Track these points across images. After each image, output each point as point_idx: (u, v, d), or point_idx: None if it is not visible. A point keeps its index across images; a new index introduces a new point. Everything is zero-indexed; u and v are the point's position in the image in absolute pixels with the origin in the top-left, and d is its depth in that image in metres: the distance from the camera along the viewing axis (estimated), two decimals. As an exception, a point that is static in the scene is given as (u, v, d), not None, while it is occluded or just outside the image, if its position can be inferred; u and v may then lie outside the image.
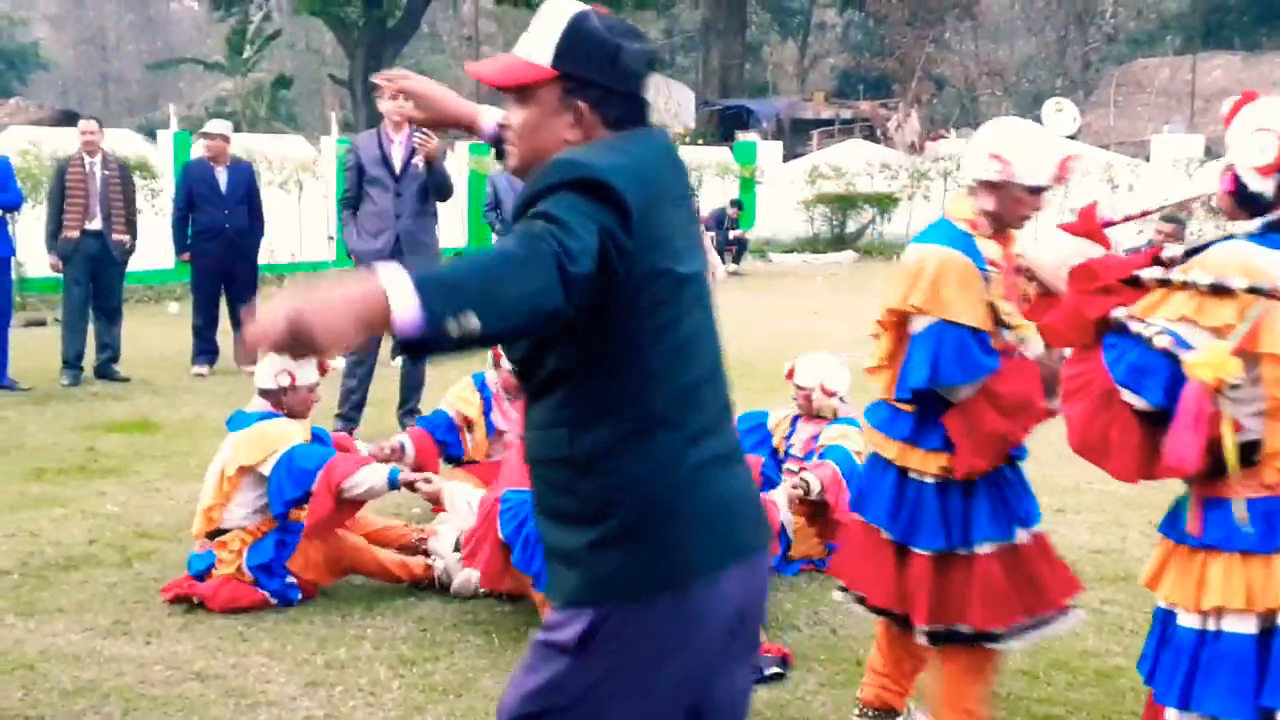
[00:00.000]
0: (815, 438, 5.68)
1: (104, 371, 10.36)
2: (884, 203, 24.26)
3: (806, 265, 22.38)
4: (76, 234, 10.13)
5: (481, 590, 5.15)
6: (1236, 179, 2.89)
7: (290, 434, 5.18)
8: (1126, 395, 2.74)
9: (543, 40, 2.30)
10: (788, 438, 5.86)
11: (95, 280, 10.34)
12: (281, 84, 42.34)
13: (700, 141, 28.46)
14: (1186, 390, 2.63)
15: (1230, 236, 2.82)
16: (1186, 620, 2.79)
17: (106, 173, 10.29)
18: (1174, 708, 2.80)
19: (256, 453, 5.12)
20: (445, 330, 1.89)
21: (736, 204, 21.96)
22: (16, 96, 36.95)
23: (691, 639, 2.27)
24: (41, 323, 13.07)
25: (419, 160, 7.84)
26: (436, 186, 7.98)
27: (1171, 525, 2.89)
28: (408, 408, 8.28)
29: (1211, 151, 23.78)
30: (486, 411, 6.41)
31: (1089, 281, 2.89)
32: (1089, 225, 3.15)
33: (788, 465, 5.87)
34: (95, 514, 6.47)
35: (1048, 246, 3.15)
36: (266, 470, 5.09)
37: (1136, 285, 2.82)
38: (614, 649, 2.25)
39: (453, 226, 18.56)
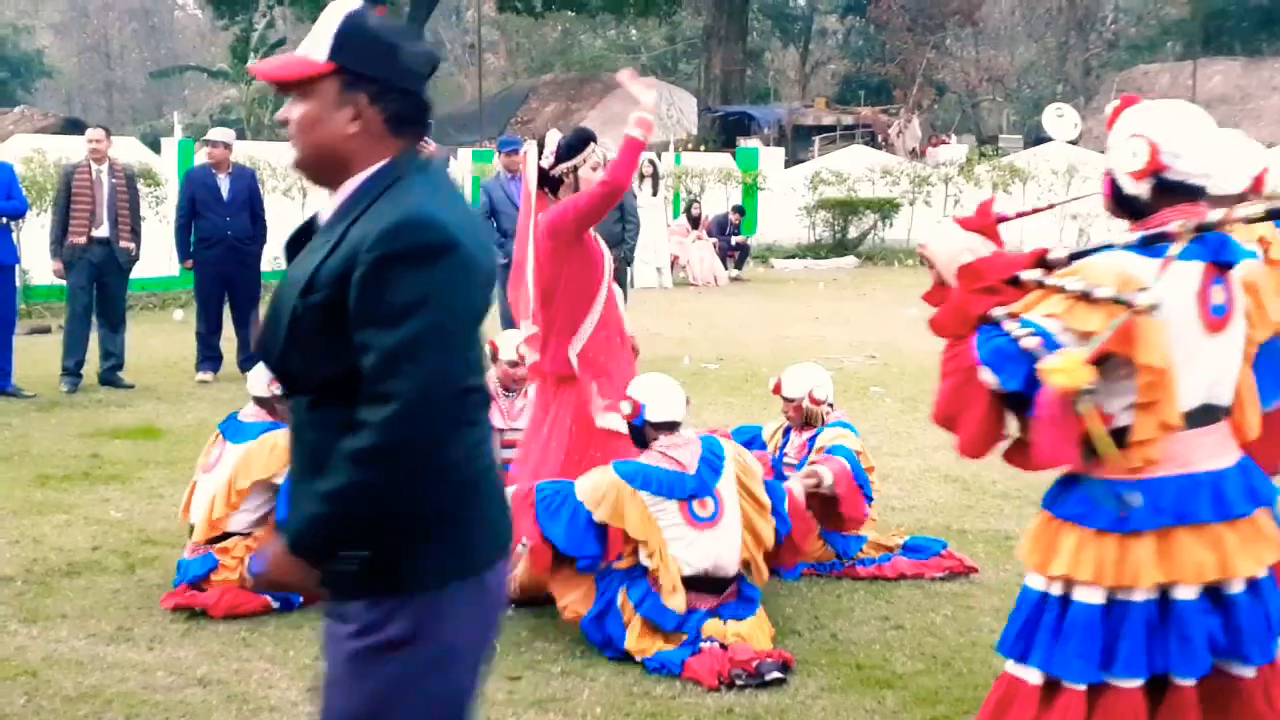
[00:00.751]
0: (809, 444, 5.71)
1: (109, 379, 10.38)
2: (886, 208, 24.28)
3: (808, 271, 22.39)
4: (83, 240, 10.14)
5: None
6: (1113, 182, 3.03)
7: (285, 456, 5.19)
8: (985, 374, 2.85)
9: (320, 37, 2.38)
10: (781, 449, 5.88)
11: (100, 287, 10.36)
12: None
13: (702, 148, 28.50)
14: (1043, 393, 2.77)
15: (1111, 245, 2.92)
16: (1034, 582, 3.01)
17: (114, 180, 10.32)
18: (1012, 659, 3.02)
19: (272, 465, 5.16)
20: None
21: (738, 210, 21.98)
22: (21, 105, 37.06)
23: (493, 619, 2.52)
24: (46, 330, 13.09)
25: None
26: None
27: (1050, 499, 3.06)
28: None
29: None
30: None
31: (974, 280, 3.00)
32: (984, 221, 3.21)
33: (784, 474, 5.90)
34: (99, 520, 6.49)
35: (942, 240, 3.19)
36: (280, 480, 5.12)
37: (1018, 285, 2.93)
38: (438, 637, 2.37)
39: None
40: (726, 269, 20.56)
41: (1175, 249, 2.81)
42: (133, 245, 10.51)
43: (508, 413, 6.34)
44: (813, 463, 5.46)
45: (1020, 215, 3.32)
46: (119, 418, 9.22)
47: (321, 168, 2.44)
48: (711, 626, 4.65)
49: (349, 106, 2.37)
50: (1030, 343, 2.81)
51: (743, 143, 28.84)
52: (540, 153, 5.31)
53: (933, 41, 38.09)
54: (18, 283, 10.80)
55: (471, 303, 2.34)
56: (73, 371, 10.21)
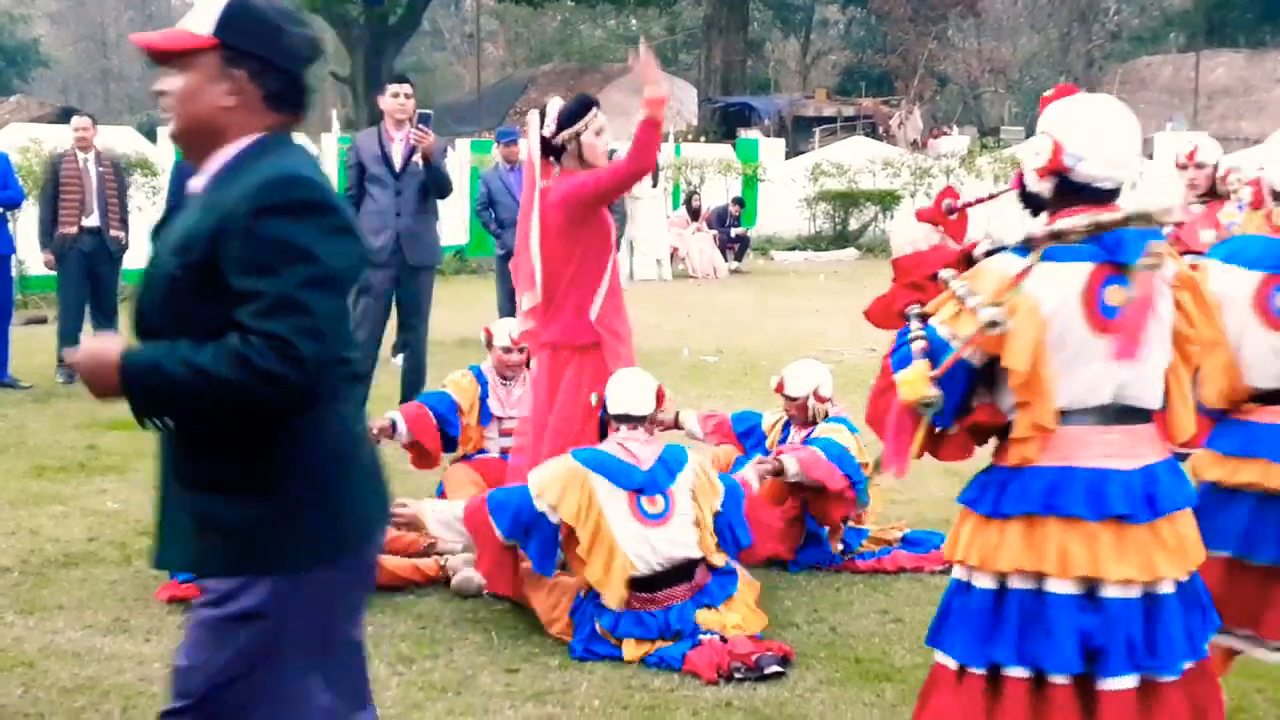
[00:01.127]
0: (806, 440, 5.68)
1: (104, 369, 10.33)
2: (886, 200, 24.23)
3: (809, 263, 22.35)
4: (74, 230, 10.11)
5: (485, 592, 5.15)
6: (1021, 178, 3.04)
7: None
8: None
9: (205, 12, 2.47)
10: (780, 442, 5.85)
11: (92, 278, 10.34)
12: (283, 81, 42.28)
13: (702, 139, 28.44)
14: (893, 403, 2.92)
15: (1004, 248, 2.96)
16: (955, 572, 3.08)
17: (101, 169, 10.30)
18: (929, 644, 3.10)
19: None
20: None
21: (738, 202, 21.94)
22: (17, 94, 36.97)
23: (355, 601, 2.64)
24: (42, 320, 13.05)
25: (418, 158, 7.84)
26: (435, 184, 7.98)
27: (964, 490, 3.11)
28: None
29: (1214, 149, 23.71)
30: (483, 398, 6.40)
31: (902, 275, 3.11)
32: (935, 212, 3.25)
33: None
34: (96, 511, 6.48)
35: (897, 230, 3.29)
36: None
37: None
38: (293, 614, 2.44)
39: (454, 224, 18.54)
40: (726, 261, 20.52)
41: (1031, 258, 2.84)
42: (123, 234, 10.51)
43: (505, 401, 6.31)
44: (779, 452, 5.43)
45: (966, 205, 3.34)
46: (116, 409, 9.02)
47: (197, 139, 2.52)
48: (706, 617, 4.62)
49: (227, 81, 2.46)
50: (917, 348, 2.90)
51: (743, 134, 28.80)
52: (542, 121, 5.26)
53: (934, 32, 38.01)
54: (13, 273, 10.76)
55: (348, 263, 2.43)
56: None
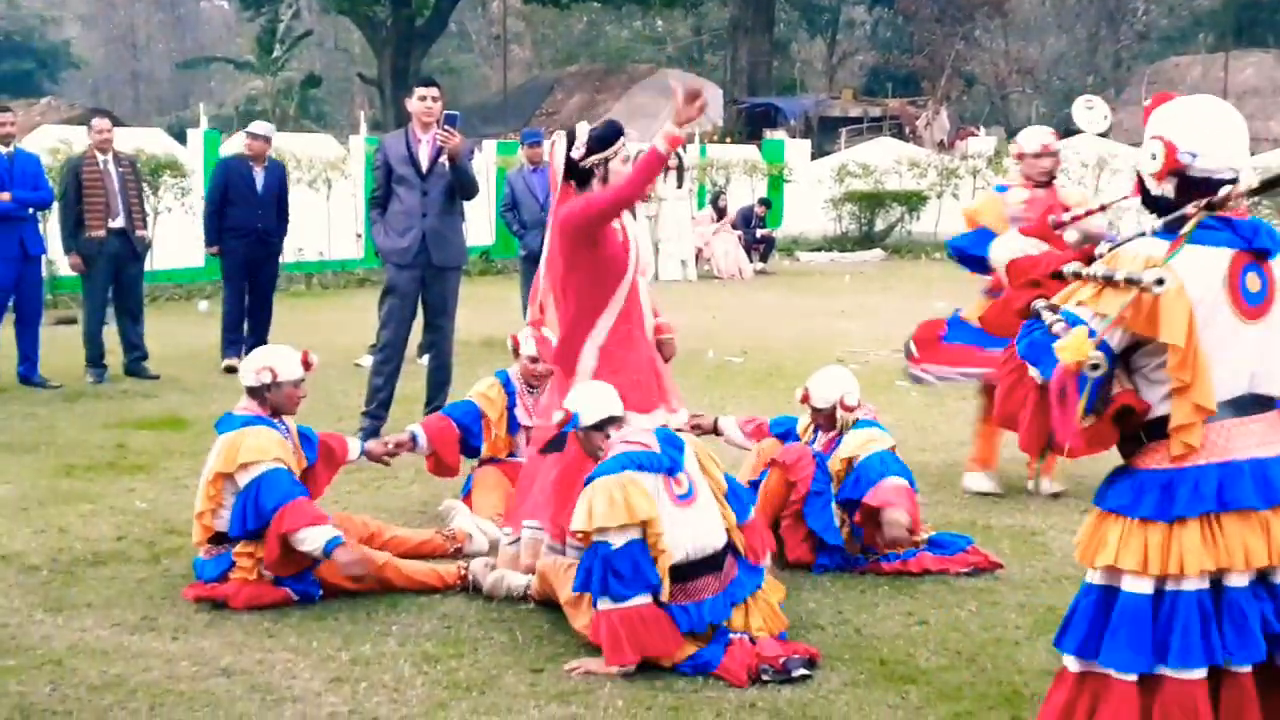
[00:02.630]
0: (835, 442, 5.68)
1: (134, 370, 10.43)
2: (913, 201, 24.16)
3: (834, 264, 22.31)
4: (102, 233, 10.18)
5: (515, 594, 5.16)
6: (1141, 184, 3.15)
7: (265, 448, 5.13)
8: (1031, 370, 2.98)
9: None
10: (811, 443, 5.85)
11: (118, 278, 10.41)
12: (311, 83, 42.57)
13: (728, 139, 28.42)
14: (1054, 371, 2.90)
15: (1142, 233, 3.06)
16: (1090, 577, 3.08)
17: (121, 170, 10.37)
18: (1071, 655, 3.08)
19: (229, 463, 5.13)
20: None
21: (764, 202, 21.92)
22: (48, 96, 37.25)
23: None
24: (72, 321, 13.12)
25: (445, 159, 7.86)
26: (461, 184, 8.00)
27: (1100, 494, 3.12)
28: (434, 405, 8.28)
29: (1243, 149, 23.55)
30: (510, 407, 6.42)
31: (1020, 276, 3.21)
32: (1042, 227, 3.46)
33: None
34: (124, 510, 6.52)
35: (1002, 246, 3.37)
36: (241, 482, 5.10)
37: (1062, 279, 3.09)
38: None
39: (479, 226, 18.60)
40: (751, 262, 20.50)
41: (1188, 227, 2.92)
42: (146, 234, 10.63)
43: (532, 410, 6.32)
44: (879, 504, 5.39)
45: (1075, 219, 3.47)
46: (144, 408, 9.26)
47: None
48: (736, 619, 4.59)
49: None
50: (1059, 329, 2.89)
51: (769, 135, 28.76)
52: (570, 144, 5.25)
53: (961, 33, 37.86)
54: (44, 273, 10.84)
55: None
56: (97, 363, 10.27)
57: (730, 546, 4.73)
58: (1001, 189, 7.21)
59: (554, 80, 42.49)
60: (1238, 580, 2.94)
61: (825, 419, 5.80)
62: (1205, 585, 2.94)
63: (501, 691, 4.34)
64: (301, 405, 5.57)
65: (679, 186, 18.78)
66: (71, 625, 4.91)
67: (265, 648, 4.72)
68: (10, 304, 10.04)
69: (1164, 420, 2.96)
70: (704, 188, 22.82)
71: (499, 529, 5.95)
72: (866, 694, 4.33)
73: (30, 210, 10.17)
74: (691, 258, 19.55)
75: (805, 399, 5.85)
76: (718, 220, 20.49)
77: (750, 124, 34.13)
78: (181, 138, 19.01)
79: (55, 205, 11.04)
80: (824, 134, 33.83)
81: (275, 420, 5.37)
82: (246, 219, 10.76)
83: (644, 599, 4.42)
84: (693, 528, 4.59)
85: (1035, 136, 7.05)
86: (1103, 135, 23.45)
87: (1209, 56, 36.82)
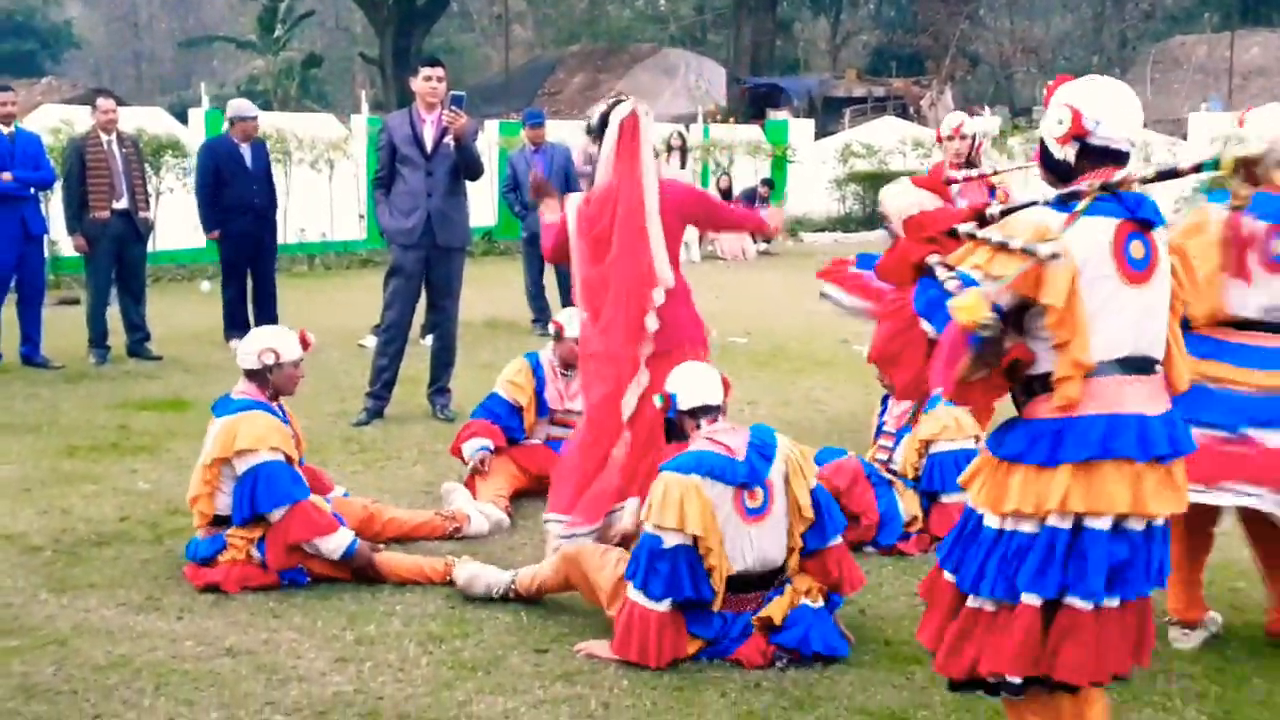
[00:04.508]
0: (910, 414, 5.64)
1: (136, 351, 10.41)
2: (916, 181, 24.09)
3: (838, 244, 22.23)
4: (106, 214, 10.15)
5: (494, 594, 4.98)
6: (1043, 148, 3.35)
7: (263, 435, 5.10)
8: (923, 324, 3.18)
9: None
10: (881, 415, 5.83)
11: (121, 259, 10.38)
12: (312, 63, 42.47)
13: (732, 119, 28.33)
14: (947, 327, 3.13)
15: (1035, 202, 3.26)
16: (990, 521, 3.24)
17: (125, 150, 10.34)
18: (970, 591, 3.25)
19: (226, 448, 5.10)
20: None
21: (768, 183, 21.86)
22: (49, 75, 37.18)
23: None
24: (75, 301, 13.13)
25: (450, 139, 7.83)
26: (466, 165, 7.98)
27: (992, 440, 3.32)
28: (438, 386, 8.29)
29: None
30: (540, 391, 6.39)
31: (917, 231, 3.47)
32: (934, 182, 3.66)
33: (881, 442, 5.88)
34: (127, 491, 6.51)
35: (895, 195, 3.63)
36: (239, 469, 5.09)
37: (956, 237, 3.28)
38: None
39: (482, 206, 18.55)
40: (755, 242, 20.42)
41: (1082, 205, 3.14)
42: (149, 214, 10.60)
43: (565, 393, 6.29)
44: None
45: (967, 179, 3.86)
46: (147, 389, 9.25)
47: None
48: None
49: None
50: (953, 286, 3.16)
51: (772, 115, 28.66)
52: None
53: (966, 11, 37.70)
54: (46, 254, 10.81)
55: None
56: (100, 344, 10.25)
57: (783, 567, 4.56)
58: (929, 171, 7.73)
59: (556, 60, 42.37)
60: (1096, 523, 3.13)
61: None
62: (1068, 525, 3.14)
63: (507, 671, 4.34)
64: (303, 386, 5.56)
65: (682, 167, 18.71)
66: (75, 605, 4.91)
67: (270, 628, 4.71)
68: (12, 284, 10.02)
69: (1050, 374, 3.17)
70: (707, 167, 22.75)
71: (501, 511, 5.95)
72: (871, 675, 4.33)
73: (32, 190, 10.15)
74: (695, 238, 19.49)
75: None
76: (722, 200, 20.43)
77: (754, 104, 33.99)
78: (183, 117, 18.94)
79: (57, 185, 11.01)
80: (828, 114, 33.69)
81: (273, 405, 5.35)
82: (243, 197, 10.70)
83: (666, 606, 4.33)
84: (759, 543, 4.45)
85: (949, 120, 7.64)
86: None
87: (1215, 36, 36.64)
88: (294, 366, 5.39)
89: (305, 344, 5.47)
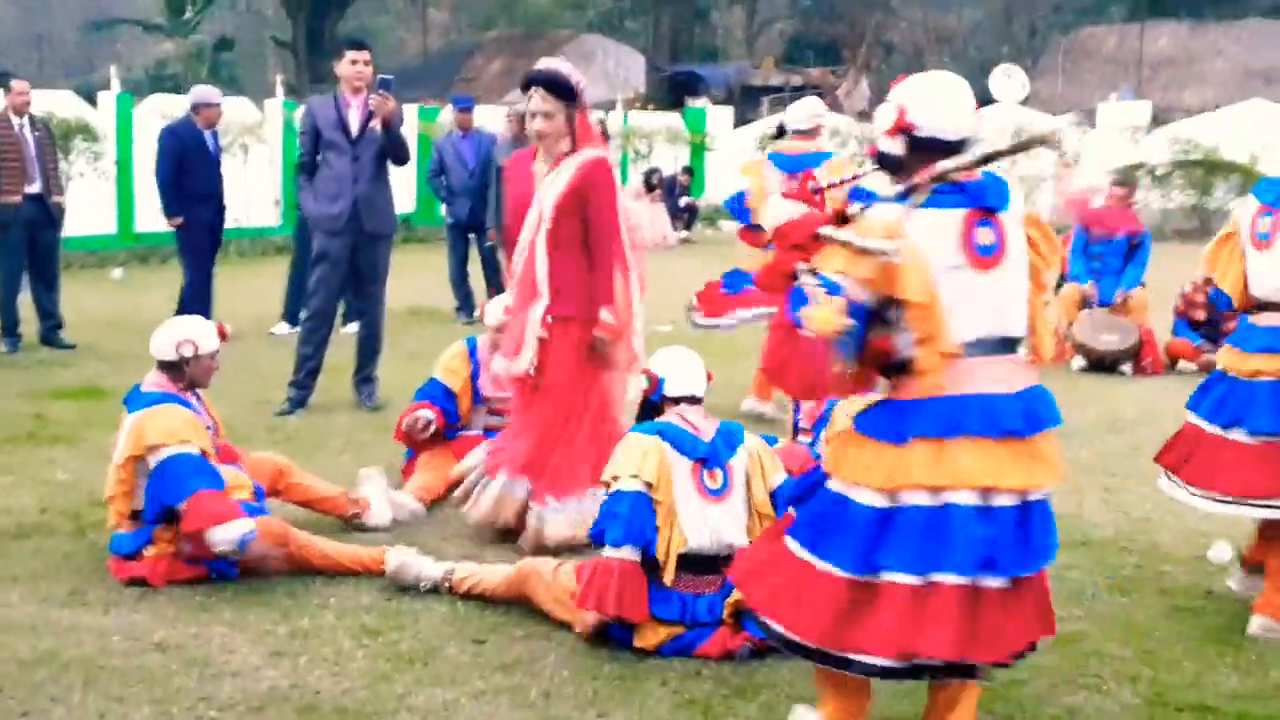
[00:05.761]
0: (825, 412, 5.67)
1: (50, 339, 10.17)
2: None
3: (757, 232, 22.36)
4: (19, 199, 9.89)
5: (423, 586, 4.92)
6: (875, 146, 3.46)
7: (174, 429, 4.94)
8: (801, 331, 3.25)
9: None
10: (795, 409, 5.85)
11: (33, 245, 10.12)
12: (224, 46, 41.69)
13: (650, 107, 28.31)
14: (804, 335, 3.22)
15: (884, 199, 3.34)
16: (834, 486, 3.38)
17: (37, 134, 10.09)
18: (806, 550, 3.36)
19: (138, 446, 4.95)
20: None
21: (688, 171, 21.90)
22: (-51, 57, 36.11)
23: None
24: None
25: (376, 124, 7.72)
26: (394, 150, 7.88)
27: (859, 421, 3.43)
28: (364, 374, 8.19)
29: (1158, 119, 23.94)
30: (474, 377, 6.33)
31: (783, 240, 3.77)
32: (802, 193, 3.99)
33: (800, 438, 5.89)
34: (46, 482, 6.36)
35: (770, 212, 3.74)
36: (151, 464, 4.93)
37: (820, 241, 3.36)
38: None
39: (400, 192, 18.32)
40: (675, 230, 20.46)
41: (917, 197, 3.25)
42: (62, 199, 10.33)
43: (499, 382, 6.23)
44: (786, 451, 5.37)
45: (832, 186, 3.84)
46: (62, 378, 9.04)
47: None
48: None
49: None
50: (818, 294, 3.23)
51: (691, 103, 28.67)
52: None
53: (881, 1, 38.03)
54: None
55: None
56: (12, 331, 10.00)
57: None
58: (774, 156, 7.65)
59: (474, 45, 42.05)
60: (959, 498, 3.23)
61: None
62: (930, 502, 3.25)
63: (444, 663, 4.30)
64: (223, 376, 5.45)
65: (603, 154, 18.66)
66: (-3, 600, 4.78)
67: (200, 621, 4.62)
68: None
69: (912, 360, 3.28)
70: (627, 156, 22.71)
71: (416, 502, 5.84)
72: (809, 663, 4.33)
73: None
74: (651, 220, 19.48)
75: None
76: (647, 193, 20.41)
77: (673, 91, 34.01)
78: (92, 100, 18.50)
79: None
80: (746, 103, 33.81)
81: (185, 396, 5.19)
82: (205, 185, 10.39)
83: (631, 553, 4.29)
84: (717, 523, 4.41)
85: (803, 108, 7.65)
86: (1021, 104, 23.80)
87: (1124, 26, 37.30)
88: (210, 358, 5.26)
89: (223, 335, 5.36)
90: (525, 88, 5.47)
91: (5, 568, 5.12)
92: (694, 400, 4.66)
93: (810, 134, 7.30)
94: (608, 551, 4.32)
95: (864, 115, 28.73)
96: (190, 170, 10.29)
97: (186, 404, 5.16)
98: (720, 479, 4.46)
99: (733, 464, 4.49)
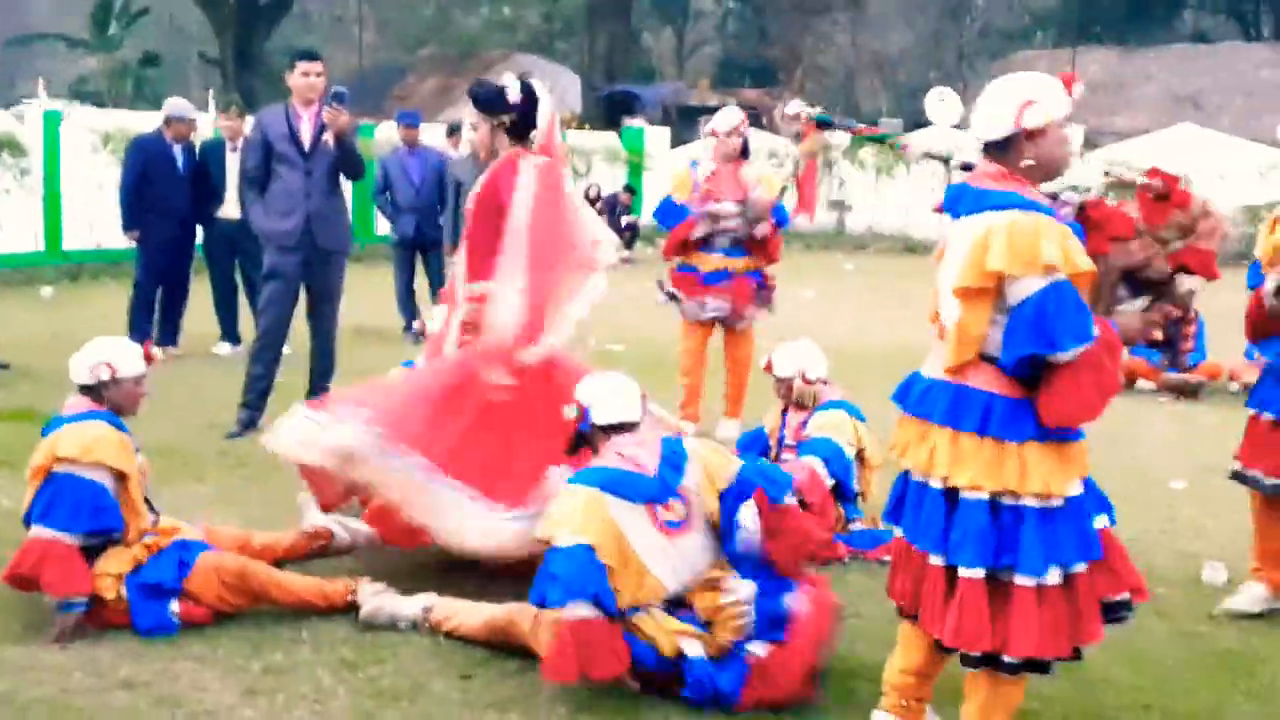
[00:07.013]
0: (804, 425, 5.55)
1: (-19, 359, 9.77)
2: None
3: (695, 252, 22.29)
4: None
5: (400, 625, 4.64)
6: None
7: (89, 446, 4.56)
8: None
9: None
10: (781, 429, 5.70)
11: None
12: (149, 62, 40.98)
13: (587, 126, 28.17)
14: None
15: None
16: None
17: None
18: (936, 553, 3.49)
19: (47, 457, 4.61)
20: None
21: (629, 189, 21.80)
22: None
23: None
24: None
25: (329, 137, 7.48)
26: (348, 164, 7.63)
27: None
28: (317, 394, 7.90)
29: (1089, 141, 24.24)
30: None
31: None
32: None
33: (783, 455, 5.73)
34: (-13, 510, 6.03)
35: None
36: (61, 469, 4.57)
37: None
38: None
39: (339, 210, 18.03)
40: (619, 250, 20.31)
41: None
42: None
43: None
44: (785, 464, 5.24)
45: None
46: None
47: None
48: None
49: None
50: None
51: (627, 122, 28.58)
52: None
53: (811, 25, 38.29)
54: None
55: None
56: (-58, 351, 9.60)
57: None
58: (695, 164, 8.18)
59: (407, 64, 41.75)
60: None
61: (786, 391, 5.68)
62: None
63: (431, 699, 4.08)
64: (168, 398, 5.12)
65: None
66: (-55, 637, 4.48)
67: (166, 656, 4.37)
68: None
69: None
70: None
71: (368, 527, 5.54)
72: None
73: None
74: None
75: (769, 367, 5.81)
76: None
77: (609, 111, 33.92)
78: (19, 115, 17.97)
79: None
80: (683, 122, 33.81)
81: (112, 413, 4.79)
82: (168, 199, 10.15)
83: (579, 608, 3.96)
84: (688, 557, 4.17)
85: (728, 117, 8.12)
86: (956, 126, 23.97)
87: (1056, 52, 37.83)
88: (135, 383, 4.83)
89: (149, 358, 4.94)
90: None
91: (-48, 602, 4.81)
92: (630, 428, 4.39)
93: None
94: (550, 615, 4.00)
95: (798, 137, 28.83)
96: (153, 183, 10.06)
97: (115, 420, 4.76)
98: (679, 508, 4.19)
99: (686, 486, 4.22)
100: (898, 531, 3.68)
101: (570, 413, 4.48)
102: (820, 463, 5.23)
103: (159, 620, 4.56)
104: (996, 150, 3.49)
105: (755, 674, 4.01)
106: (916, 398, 3.58)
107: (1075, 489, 3.40)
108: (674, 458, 4.28)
